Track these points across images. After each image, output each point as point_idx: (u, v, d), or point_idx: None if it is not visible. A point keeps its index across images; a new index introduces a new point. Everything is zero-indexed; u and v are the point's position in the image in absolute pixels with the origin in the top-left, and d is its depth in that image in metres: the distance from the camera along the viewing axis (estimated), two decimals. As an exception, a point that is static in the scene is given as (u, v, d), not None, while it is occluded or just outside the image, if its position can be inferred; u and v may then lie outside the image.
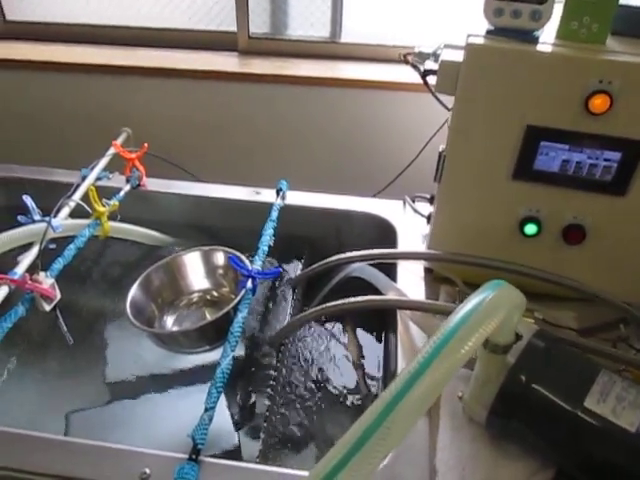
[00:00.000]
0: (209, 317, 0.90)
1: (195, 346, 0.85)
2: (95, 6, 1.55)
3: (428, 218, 0.94)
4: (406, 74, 1.34)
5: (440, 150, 0.79)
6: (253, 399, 0.88)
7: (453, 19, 1.37)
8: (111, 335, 0.95)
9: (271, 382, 0.81)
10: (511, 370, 0.56)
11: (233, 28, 1.45)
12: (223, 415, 0.81)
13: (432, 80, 0.88)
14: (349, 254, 0.87)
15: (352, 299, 0.74)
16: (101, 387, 0.89)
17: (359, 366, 1.04)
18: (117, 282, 1.05)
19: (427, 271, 0.89)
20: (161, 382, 0.91)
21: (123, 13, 1.53)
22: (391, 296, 0.77)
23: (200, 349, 0.86)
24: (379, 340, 1.07)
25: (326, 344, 1.07)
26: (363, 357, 1.06)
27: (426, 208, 1.00)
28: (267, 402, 0.85)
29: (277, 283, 1.01)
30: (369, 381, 1.00)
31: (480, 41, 0.70)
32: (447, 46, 0.81)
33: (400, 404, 0.38)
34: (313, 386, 0.98)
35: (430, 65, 0.80)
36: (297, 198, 1.06)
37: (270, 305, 0.95)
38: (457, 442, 0.63)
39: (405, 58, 0.89)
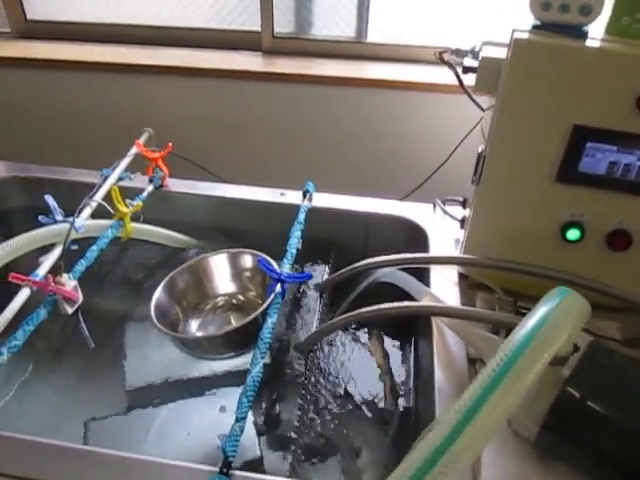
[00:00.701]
0: (234, 322, 0.87)
1: (220, 352, 0.82)
2: (116, 5, 1.53)
3: (462, 222, 0.90)
4: (434, 75, 1.32)
5: (479, 151, 0.75)
6: (278, 409, 0.85)
7: (480, 18, 1.34)
8: (133, 339, 0.93)
9: (302, 391, 0.78)
10: (566, 383, 0.53)
11: (257, 28, 1.42)
12: (247, 424, 0.79)
13: (468, 79, 0.85)
14: (381, 258, 0.84)
15: (388, 305, 0.71)
16: (122, 393, 0.86)
17: (386, 373, 1.01)
18: (138, 284, 1.03)
19: (461, 277, 0.86)
20: (184, 388, 0.88)
21: (144, 12, 1.52)
22: (429, 302, 0.74)
23: (225, 355, 0.84)
24: (404, 346, 1.04)
25: (351, 350, 1.04)
26: (389, 364, 1.02)
27: (458, 211, 0.97)
28: (297, 412, 0.82)
29: (301, 287, 0.98)
30: (398, 389, 0.96)
31: (527, 36, 0.66)
32: (486, 43, 0.78)
33: (467, 429, 0.34)
34: (340, 395, 0.95)
35: (469, 62, 0.76)
36: (323, 200, 1.03)
37: (297, 310, 0.92)
38: (502, 459, 0.59)
39: (440, 56, 0.86)
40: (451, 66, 0.86)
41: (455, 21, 1.38)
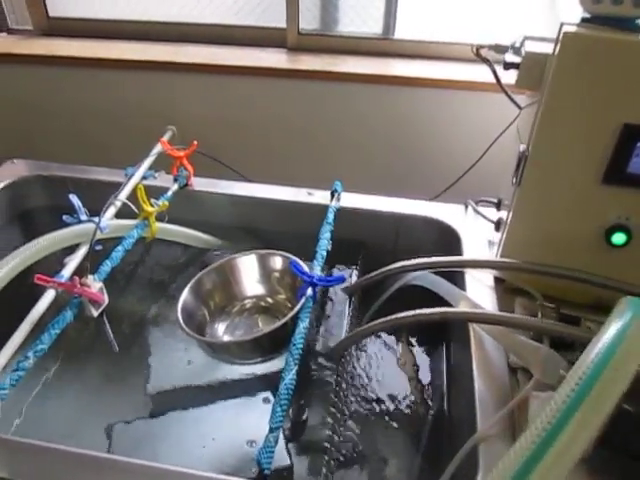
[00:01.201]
0: (262, 325, 0.85)
1: (249, 357, 0.80)
2: (137, 1, 1.51)
3: (497, 224, 0.87)
4: (464, 72, 1.29)
5: (521, 150, 0.72)
6: (306, 415, 0.83)
7: (508, 15, 1.30)
8: (157, 342, 0.91)
9: (334, 398, 0.75)
10: (625, 396, 0.50)
11: (282, 24, 1.40)
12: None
13: (505, 76, 0.82)
14: (414, 261, 0.81)
15: (426, 310, 0.68)
16: (145, 397, 0.84)
17: (415, 378, 0.98)
18: (163, 286, 1.01)
19: (497, 281, 0.83)
20: (210, 392, 0.86)
21: (167, 9, 1.49)
22: (469, 309, 0.71)
23: (253, 361, 0.81)
24: (435, 350, 1.01)
25: (379, 354, 1.01)
26: (418, 369, 1.00)
27: (491, 213, 0.94)
28: (329, 420, 0.79)
29: (329, 290, 0.95)
30: (427, 394, 0.94)
31: (577, 30, 0.63)
32: (528, 38, 0.75)
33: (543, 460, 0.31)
34: (368, 401, 0.92)
35: (511, 58, 0.73)
36: (351, 200, 1.00)
37: (325, 314, 0.89)
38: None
39: (477, 52, 0.83)
40: (488, 62, 0.83)
41: (480, 18, 1.34)
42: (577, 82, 0.65)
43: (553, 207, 0.73)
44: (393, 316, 0.70)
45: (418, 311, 0.68)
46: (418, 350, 1.02)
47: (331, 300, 0.92)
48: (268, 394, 0.85)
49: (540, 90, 0.69)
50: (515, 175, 0.74)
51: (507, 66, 0.73)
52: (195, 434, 0.79)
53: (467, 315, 0.67)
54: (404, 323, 0.71)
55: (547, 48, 0.68)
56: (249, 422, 0.81)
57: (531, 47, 0.70)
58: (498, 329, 0.69)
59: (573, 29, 0.63)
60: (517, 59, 0.72)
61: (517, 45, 0.76)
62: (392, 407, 0.91)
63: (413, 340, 1.03)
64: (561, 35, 0.63)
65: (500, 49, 0.79)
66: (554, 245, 0.76)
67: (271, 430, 0.60)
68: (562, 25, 0.64)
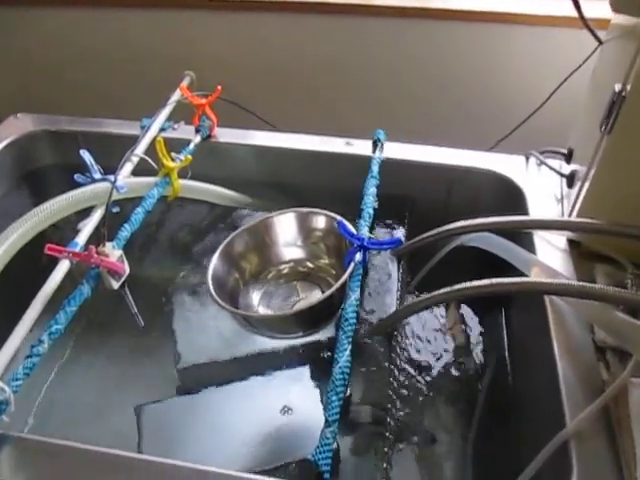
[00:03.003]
0: (302, 294, 0.75)
1: (289, 332, 0.71)
2: None
3: (570, 178, 0.76)
4: (525, 4, 1.13)
5: (616, 90, 0.60)
6: (349, 391, 0.74)
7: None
8: (184, 313, 0.82)
9: (390, 380, 0.66)
10: None
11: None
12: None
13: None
14: (477, 221, 0.70)
15: (502, 280, 0.58)
16: (175, 373, 0.76)
17: (466, 348, 0.90)
18: (188, 251, 0.91)
19: (572, 245, 0.72)
20: (243, 366, 0.78)
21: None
22: (550, 279, 0.60)
23: (293, 335, 0.73)
24: (485, 316, 0.92)
25: (424, 320, 0.92)
26: (469, 339, 0.91)
27: (558, 166, 0.82)
28: (376, 395, 0.71)
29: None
30: (480, 366, 0.86)
31: None
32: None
33: None
34: (418, 375, 0.84)
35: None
36: (396, 151, 0.89)
37: (372, 280, 0.80)
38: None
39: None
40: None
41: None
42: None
43: (650, 158, 0.62)
44: (460, 285, 0.60)
45: (494, 280, 0.58)
46: (468, 313, 0.93)
47: (377, 264, 0.82)
48: (305, 367, 0.77)
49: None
50: (605, 121, 0.62)
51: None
52: (227, 412, 0.72)
53: (551, 287, 0.57)
54: (472, 294, 0.61)
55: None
56: (285, 395, 0.73)
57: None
58: (585, 302, 0.59)
59: None
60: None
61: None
62: (441, 379, 0.84)
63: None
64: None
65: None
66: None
67: (327, 423, 0.52)
68: None
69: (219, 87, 0.87)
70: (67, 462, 0.52)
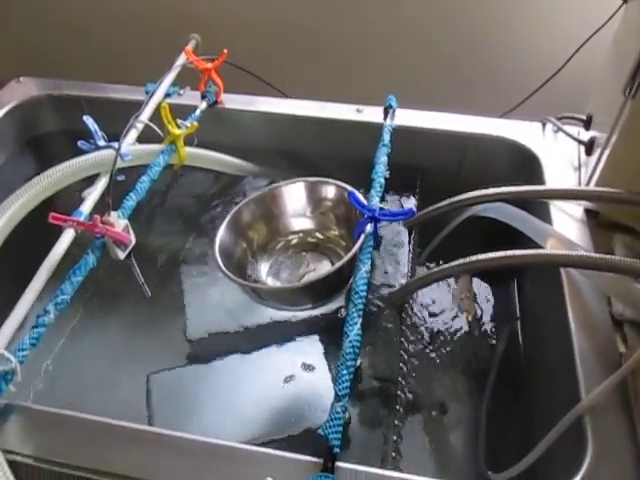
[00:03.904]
0: (311, 265, 0.74)
1: (298, 304, 0.70)
2: None
3: (588, 145, 0.73)
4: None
5: (642, 51, 0.57)
6: (360, 361, 0.74)
7: None
8: (191, 284, 0.81)
9: (401, 352, 0.65)
10: None
11: None
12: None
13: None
14: (492, 191, 0.68)
15: (516, 252, 0.56)
16: (183, 344, 0.76)
17: (475, 320, 0.89)
18: (194, 220, 0.90)
19: (589, 214, 0.70)
20: (251, 337, 0.78)
21: None
22: (566, 250, 0.58)
23: (302, 307, 0.71)
24: (497, 286, 0.90)
25: (435, 289, 0.91)
26: (480, 308, 0.90)
27: (576, 132, 0.80)
28: (387, 366, 0.70)
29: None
30: (491, 336, 0.85)
31: None
32: None
33: None
34: (429, 345, 0.83)
35: None
36: (406, 118, 0.86)
37: (383, 252, 0.78)
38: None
39: None
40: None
41: None
42: None
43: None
44: (474, 258, 0.59)
45: (508, 253, 0.56)
46: (480, 283, 0.92)
47: (388, 235, 0.81)
48: (315, 337, 0.77)
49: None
50: (628, 85, 0.59)
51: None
52: (236, 383, 0.72)
53: (569, 259, 0.55)
54: (485, 266, 0.59)
55: None
56: (294, 366, 0.74)
57: None
58: (603, 274, 0.57)
59: None
60: None
61: None
62: (452, 350, 0.83)
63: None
64: None
65: None
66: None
67: (337, 397, 0.51)
68: None
69: (225, 51, 0.84)
70: (75, 432, 0.51)
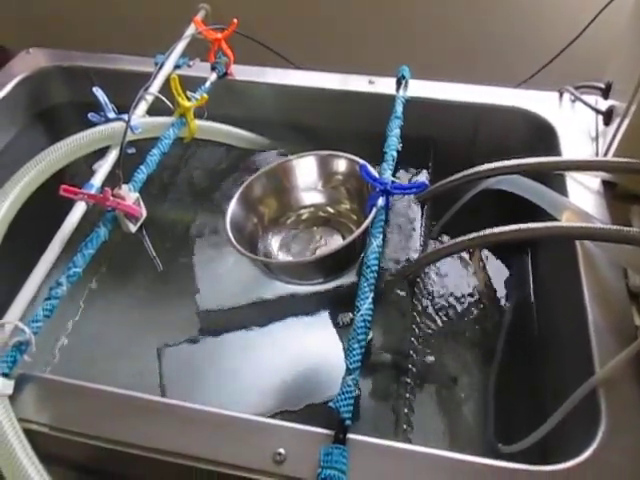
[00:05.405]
0: (322, 240, 0.74)
1: (310, 278, 0.70)
2: None
3: (607, 115, 0.71)
4: None
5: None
6: (371, 335, 0.73)
7: None
8: (202, 257, 0.81)
9: (413, 327, 0.65)
10: None
11: None
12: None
13: None
14: (508, 163, 0.67)
15: (530, 225, 0.55)
16: (194, 317, 0.76)
17: (490, 289, 0.88)
18: (205, 194, 0.89)
19: (607, 186, 0.69)
20: (263, 311, 0.78)
21: None
22: (582, 223, 0.57)
23: (314, 282, 0.71)
24: (510, 258, 0.89)
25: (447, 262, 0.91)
26: (491, 280, 0.89)
27: (594, 101, 0.78)
28: (396, 339, 0.70)
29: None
30: (504, 308, 0.84)
31: None
32: None
33: None
34: (440, 317, 0.83)
35: None
36: (419, 89, 0.84)
37: (394, 226, 0.77)
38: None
39: None
40: None
41: None
42: None
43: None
44: (488, 231, 0.58)
45: (522, 226, 0.56)
46: (493, 255, 0.91)
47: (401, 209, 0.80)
48: (325, 313, 0.77)
49: None
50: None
51: None
52: (247, 357, 0.73)
53: (586, 231, 0.54)
54: (499, 240, 0.58)
55: None
56: (305, 340, 0.74)
57: None
58: (619, 246, 0.56)
59: None
60: None
61: None
62: (465, 323, 0.83)
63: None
64: None
65: None
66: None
67: (348, 371, 0.51)
68: None
69: (235, 20, 0.82)
70: (89, 402, 0.52)
